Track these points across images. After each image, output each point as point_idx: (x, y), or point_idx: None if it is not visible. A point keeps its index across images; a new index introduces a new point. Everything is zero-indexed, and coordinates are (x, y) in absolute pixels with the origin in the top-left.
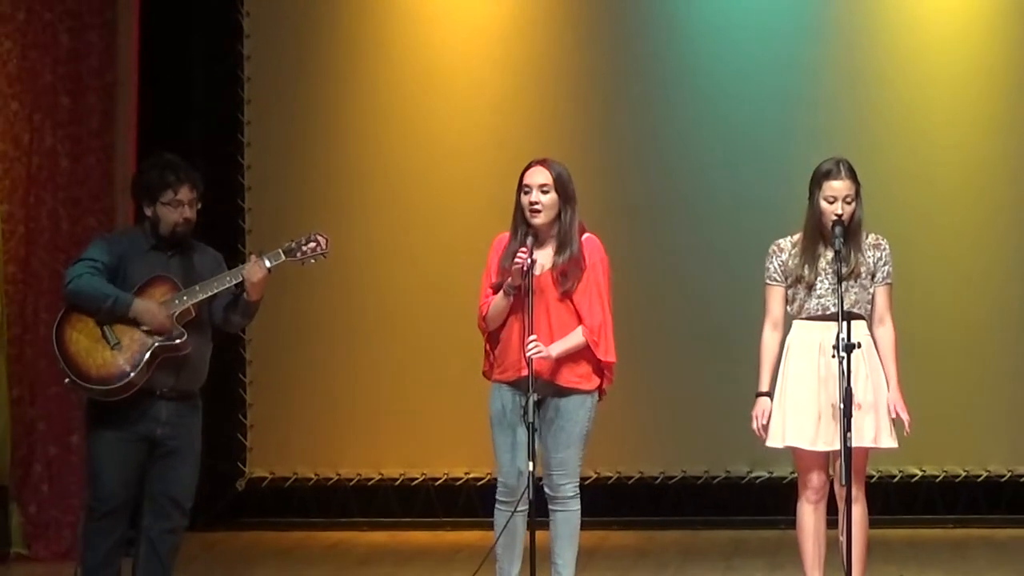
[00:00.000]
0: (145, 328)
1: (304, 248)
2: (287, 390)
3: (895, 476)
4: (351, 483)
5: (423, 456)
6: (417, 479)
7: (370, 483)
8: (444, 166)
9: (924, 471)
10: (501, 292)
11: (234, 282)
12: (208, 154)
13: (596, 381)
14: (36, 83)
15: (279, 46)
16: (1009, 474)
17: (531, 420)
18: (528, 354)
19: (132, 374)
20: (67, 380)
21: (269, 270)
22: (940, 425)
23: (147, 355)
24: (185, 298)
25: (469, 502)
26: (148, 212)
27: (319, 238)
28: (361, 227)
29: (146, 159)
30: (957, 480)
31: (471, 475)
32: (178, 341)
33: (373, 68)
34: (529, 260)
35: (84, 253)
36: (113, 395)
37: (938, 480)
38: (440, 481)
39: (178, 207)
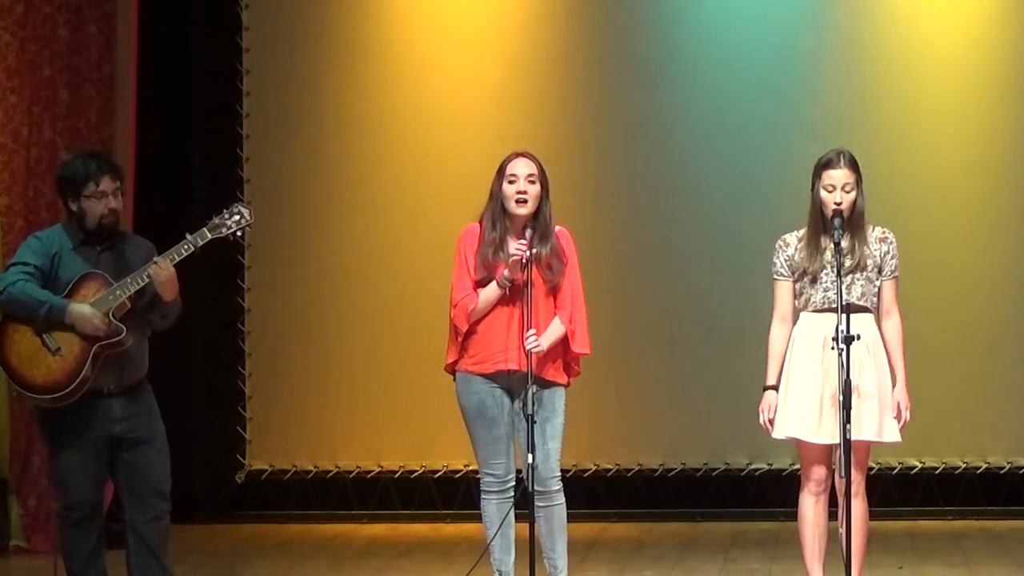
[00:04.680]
0: (82, 332)
1: (229, 222)
2: (286, 383)
3: (894, 468)
4: (350, 476)
5: (422, 449)
6: (416, 471)
7: (369, 476)
8: (444, 160)
9: (923, 463)
10: (494, 284)
11: (147, 281)
12: (207, 147)
13: (567, 376)
14: (35, 76)
15: (278, 39)
16: (1008, 466)
17: (531, 411)
18: (528, 348)
19: (77, 379)
20: (14, 392)
21: (191, 253)
22: (939, 417)
23: (90, 357)
24: (118, 292)
25: (468, 495)
26: (73, 207)
27: (242, 209)
28: (360, 220)
29: (65, 156)
30: (956, 472)
31: (470, 467)
32: (118, 338)
33: (372, 61)
34: (528, 253)
35: (16, 256)
36: (61, 401)
37: (937, 472)
38: (439, 474)
39: (102, 198)
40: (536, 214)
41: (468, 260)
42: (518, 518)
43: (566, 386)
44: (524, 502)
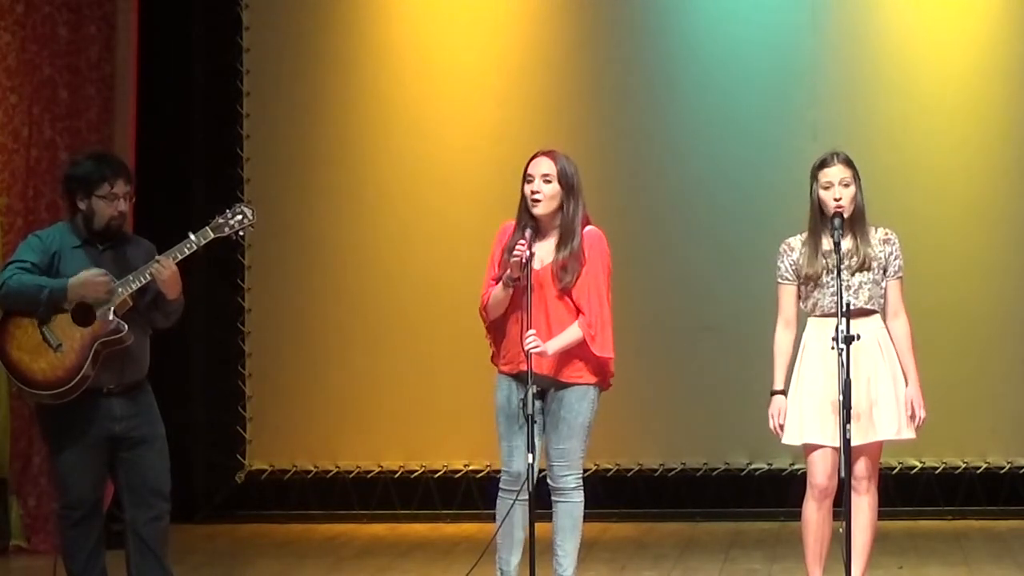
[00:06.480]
0: (91, 300)
1: (231, 221)
2: (286, 383)
3: (894, 468)
4: (350, 475)
5: (422, 448)
6: (416, 471)
7: (369, 475)
8: (444, 159)
9: (923, 463)
10: (501, 283)
11: (149, 279)
12: (207, 147)
13: (595, 377)
14: (35, 76)
15: (278, 39)
16: (1008, 466)
17: (530, 412)
18: (526, 349)
19: (79, 375)
20: (14, 388)
21: (194, 251)
22: (939, 417)
23: (91, 353)
24: (120, 290)
25: (468, 494)
26: (82, 206)
27: (245, 209)
28: (360, 220)
29: (76, 154)
30: (956, 472)
31: (470, 467)
32: (120, 334)
33: (372, 61)
34: (528, 253)
35: (15, 255)
36: (62, 398)
37: (937, 472)
38: (439, 473)
39: (113, 200)
40: (560, 214)
41: (496, 256)
42: (527, 519)
43: (600, 386)
44: (537, 502)
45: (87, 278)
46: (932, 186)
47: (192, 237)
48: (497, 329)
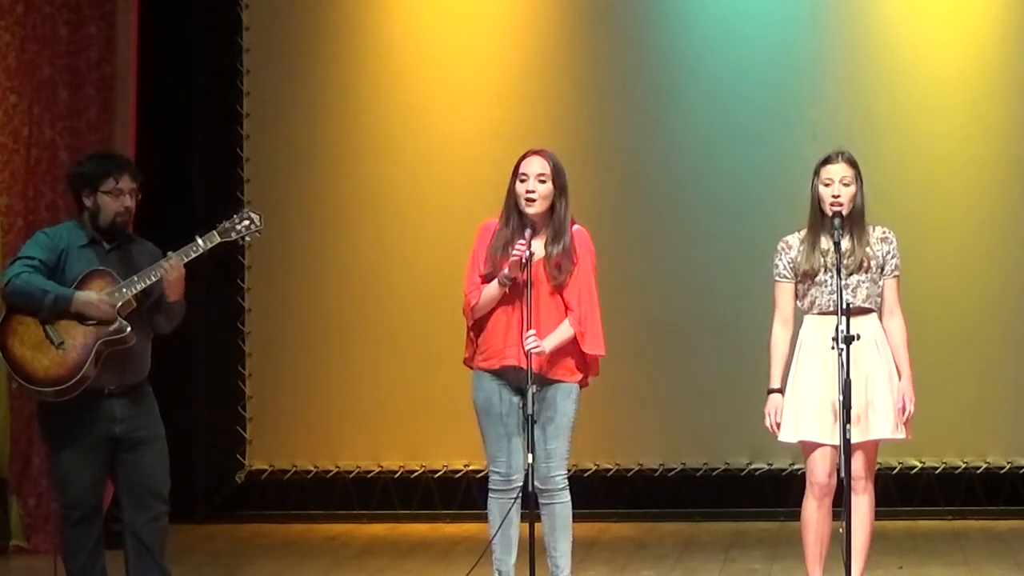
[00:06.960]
0: (91, 321)
1: (239, 227)
2: (286, 383)
3: (894, 468)
4: (350, 476)
5: (422, 448)
6: (416, 471)
7: (369, 475)
8: (443, 159)
9: (923, 463)
10: (495, 282)
11: (159, 277)
12: (207, 147)
13: (580, 375)
14: (35, 76)
15: (278, 38)
16: (1008, 466)
17: (530, 412)
18: (527, 349)
19: (80, 373)
20: (15, 385)
21: (199, 255)
22: (939, 417)
23: (93, 352)
24: (125, 290)
25: (468, 494)
26: (88, 202)
27: (252, 215)
28: (359, 220)
29: (82, 155)
30: (956, 472)
31: (470, 467)
32: (123, 335)
33: (373, 60)
34: (528, 252)
35: (22, 251)
36: (63, 395)
37: (937, 472)
38: (439, 473)
39: (119, 196)
40: (551, 213)
41: (479, 254)
42: (524, 518)
43: (581, 384)
44: (526, 502)
45: (94, 300)
46: (932, 187)
47: (199, 241)
48: (478, 326)
